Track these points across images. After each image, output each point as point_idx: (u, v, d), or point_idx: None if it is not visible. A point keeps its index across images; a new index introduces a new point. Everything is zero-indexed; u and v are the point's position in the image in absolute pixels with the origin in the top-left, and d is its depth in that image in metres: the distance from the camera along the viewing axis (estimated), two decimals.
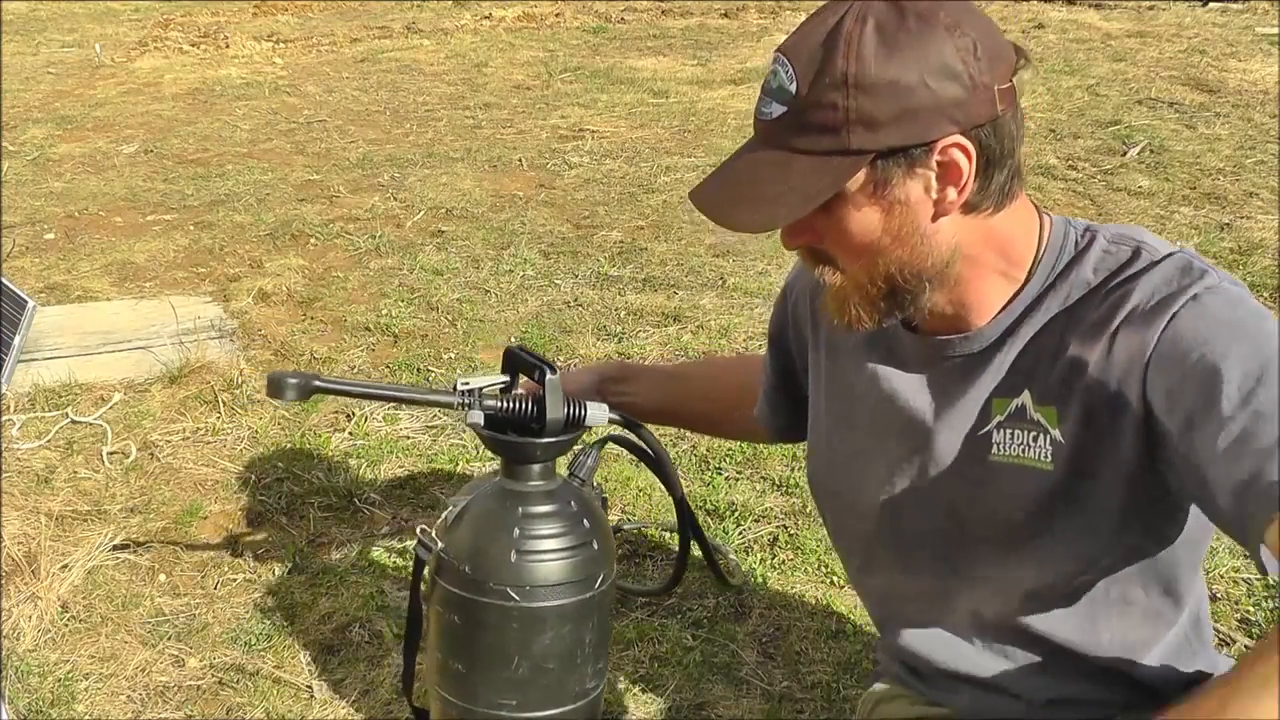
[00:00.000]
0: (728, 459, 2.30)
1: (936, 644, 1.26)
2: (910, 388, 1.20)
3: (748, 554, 2.04)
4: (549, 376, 1.28)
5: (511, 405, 1.29)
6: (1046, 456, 1.10)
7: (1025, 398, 1.11)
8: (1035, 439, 1.10)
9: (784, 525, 2.11)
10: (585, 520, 1.31)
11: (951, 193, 1.03)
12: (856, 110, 0.99)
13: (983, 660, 1.22)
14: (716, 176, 1.09)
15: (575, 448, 1.39)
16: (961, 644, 1.23)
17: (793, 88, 1.02)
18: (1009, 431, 1.12)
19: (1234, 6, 6.87)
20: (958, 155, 1.01)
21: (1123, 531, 1.09)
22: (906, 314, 1.12)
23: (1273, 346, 0.96)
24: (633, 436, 1.43)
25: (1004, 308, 1.12)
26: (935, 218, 1.05)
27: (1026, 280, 1.12)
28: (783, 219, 1.05)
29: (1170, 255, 1.06)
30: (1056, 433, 1.09)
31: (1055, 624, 1.16)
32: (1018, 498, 1.12)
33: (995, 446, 1.13)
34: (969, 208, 1.05)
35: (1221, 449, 0.93)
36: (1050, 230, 1.13)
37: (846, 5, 1.01)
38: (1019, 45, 1.06)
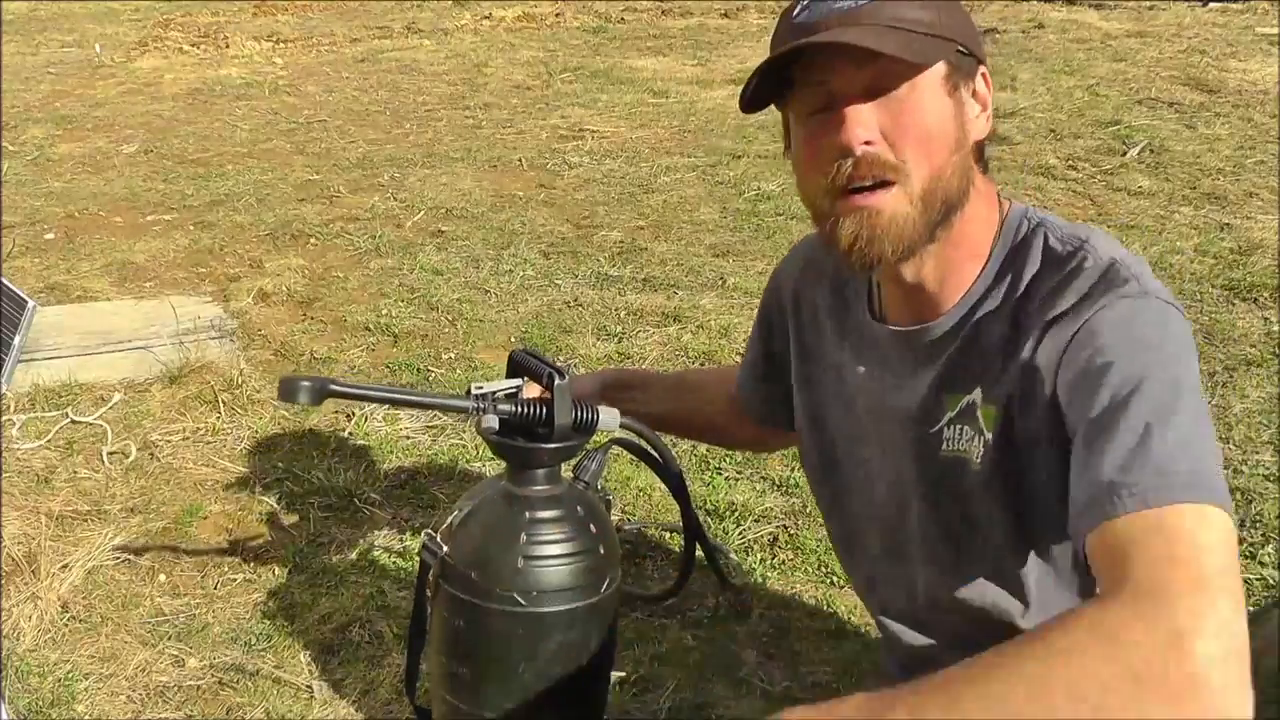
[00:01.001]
0: (728, 459, 2.30)
1: (915, 632, 1.29)
2: (877, 381, 1.24)
3: (748, 554, 2.04)
4: (558, 382, 1.26)
5: (525, 410, 1.28)
6: (978, 456, 1.14)
7: (976, 395, 1.14)
8: (974, 438, 1.14)
9: (784, 525, 2.11)
10: (591, 525, 1.30)
11: (984, 117, 1.11)
12: (937, 6, 1.06)
13: (953, 652, 1.23)
14: (800, 35, 1.08)
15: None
16: (936, 629, 1.26)
17: None
18: (958, 428, 1.16)
19: (1234, 6, 6.87)
20: (984, 83, 1.11)
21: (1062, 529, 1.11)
22: (924, 246, 1.11)
23: (1162, 363, 0.98)
24: (641, 441, 1.42)
25: (963, 295, 1.15)
26: (972, 138, 1.11)
27: (984, 264, 1.15)
28: (913, 54, 1.03)
29: (1110, 260, 1.07)
30: (989, 435, 1.12)
31: (1035, 615, 1.18)
32: (956, 489, 1.16)
33: (945, 443, 1.17)
34: (978, 152, 1.12)
35: (1082, 453, 0.96)
36: (1008, 212, 1.17)
37: None
38: None
